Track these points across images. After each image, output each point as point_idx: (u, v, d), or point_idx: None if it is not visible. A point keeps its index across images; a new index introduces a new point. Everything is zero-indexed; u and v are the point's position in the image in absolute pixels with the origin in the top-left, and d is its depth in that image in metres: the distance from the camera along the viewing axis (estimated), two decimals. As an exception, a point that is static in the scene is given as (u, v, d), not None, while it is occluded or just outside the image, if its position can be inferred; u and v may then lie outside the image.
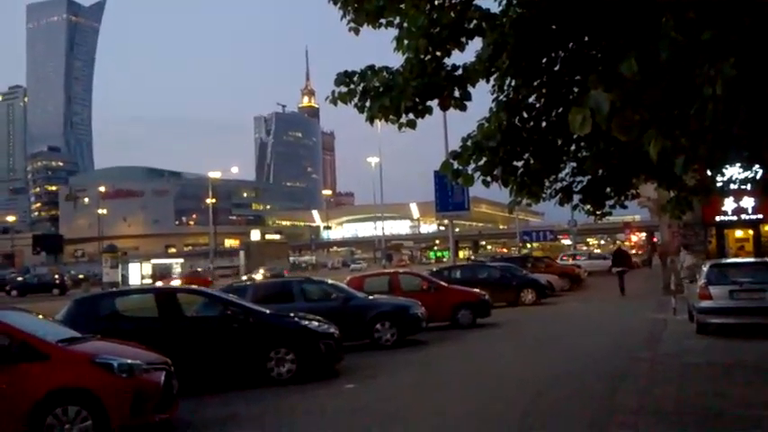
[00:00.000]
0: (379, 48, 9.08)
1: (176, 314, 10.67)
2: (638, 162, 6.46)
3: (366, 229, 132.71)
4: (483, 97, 6.84)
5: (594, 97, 3.28)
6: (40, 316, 9.26)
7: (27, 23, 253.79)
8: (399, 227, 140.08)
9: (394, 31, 6.08)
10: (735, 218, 22.87)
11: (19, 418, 6.70)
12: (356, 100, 5.83)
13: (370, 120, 5.87)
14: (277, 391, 9.71)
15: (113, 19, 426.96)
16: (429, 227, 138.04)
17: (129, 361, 7.27)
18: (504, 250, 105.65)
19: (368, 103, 5.80)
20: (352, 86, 5.86)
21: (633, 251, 56.14)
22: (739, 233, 24.29)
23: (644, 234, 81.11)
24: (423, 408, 8.43)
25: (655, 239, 63.66)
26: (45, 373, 6.91)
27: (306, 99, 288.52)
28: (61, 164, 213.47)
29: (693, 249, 21.99)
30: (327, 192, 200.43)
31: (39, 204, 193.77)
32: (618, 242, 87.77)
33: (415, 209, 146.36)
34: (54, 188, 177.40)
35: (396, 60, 6.22)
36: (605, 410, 7.45)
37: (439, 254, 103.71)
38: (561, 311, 20.83)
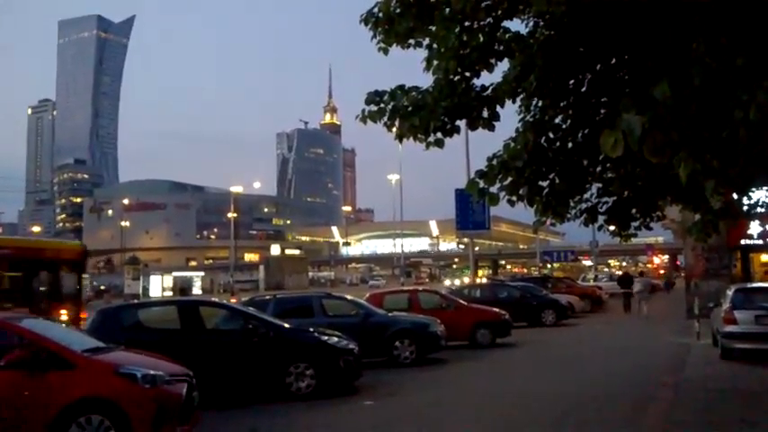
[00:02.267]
0: (404, 66, 9.18)
1: (198, 327, 10.76)
2: (665, 184, 6.44)
3: (385, 246, 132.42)
4: (507, 117, 6.89)
5: (627, 120, 3.30)
6: (65, 325, 9.40)
7: (58, 39, 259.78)
8: (418, 244, 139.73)
9: (420, 51, 6.15)
10: (760, 242, 22.56)
11: (43, 426, 6.77)
12: (386, 119, 5.90)
13: (399, 138, 5.94)
14: (297, 406, 9.72)
15: (141, 34, 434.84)
16: (448, 245, 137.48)
17: (153, 372, 7.32)
18: (524, 270, 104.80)
19: (397, 122, 5.86)
20: (381, 105, 5.93)
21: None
22: (765, 257, 23.94)
23: (666, 256, 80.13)
24: (443, 427, 8.38)
25: (678, 262, 62.72)
26: (70, 383, 6.98)
27: (328, 116, 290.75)
28: (87, 176, 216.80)
29: (719, 273, 21.70)
30: (347, 208, 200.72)
31: (63, 216, 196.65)
32: (640, 265, 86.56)
33: (434, 226, 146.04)
34: (79, 200, 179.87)
35: (422, 79, 6.29)
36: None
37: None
38: (582, 333, 20.60)
